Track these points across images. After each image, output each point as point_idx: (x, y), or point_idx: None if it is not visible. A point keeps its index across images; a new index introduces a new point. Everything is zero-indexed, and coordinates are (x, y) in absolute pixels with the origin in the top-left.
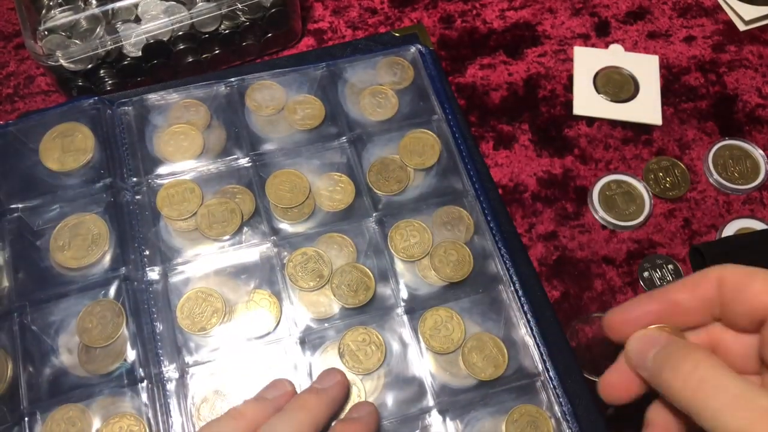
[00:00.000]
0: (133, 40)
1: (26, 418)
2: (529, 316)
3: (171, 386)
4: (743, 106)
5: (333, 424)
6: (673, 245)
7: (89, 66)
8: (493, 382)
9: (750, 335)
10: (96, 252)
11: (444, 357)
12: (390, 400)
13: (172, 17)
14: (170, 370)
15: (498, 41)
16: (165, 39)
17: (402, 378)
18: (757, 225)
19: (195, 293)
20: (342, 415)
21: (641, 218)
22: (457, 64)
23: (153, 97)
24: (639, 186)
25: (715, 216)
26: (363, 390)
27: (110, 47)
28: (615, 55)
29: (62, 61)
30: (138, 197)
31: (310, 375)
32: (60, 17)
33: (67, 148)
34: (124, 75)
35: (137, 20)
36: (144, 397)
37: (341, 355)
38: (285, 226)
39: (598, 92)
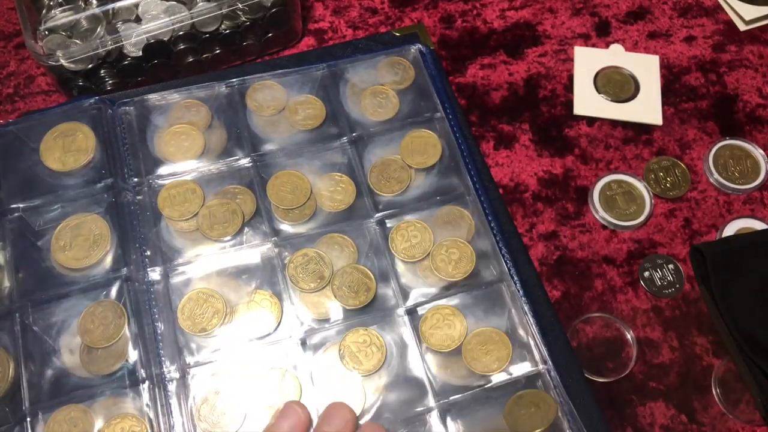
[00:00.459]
0: (133, 39)
1: (28, 419)
2: (529, 315)
3: (172, 387)
4: (744, 106)
5: None
6: (674, 245)
7: (90, 66)
8: (495, 381)
9: None
10: (97, 252)
11: (445, 356)
12: (391, 400)
13: (172, 17)
14: (171, 371)
15: (498, 41)
16: (165, 39)
17: (403, 378)
18: (757, 225)
19: (196, 294)
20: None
21: (642, 218)
22: (458, 64)
23: (154, 97)
24: (639, 186)
25: (715, 216)
26: (364, 392)
27: (111, 47)
28: (615, 55)
29: (63, 61)
30: (139, 197)
31: (311, 377)
32: (60, 17)
33: (68, 147)
34: (125, 75)
35: (138, 20)
36: (146, 397)
37: (341, 357)
38: (286, 227)
39: (599, 92)
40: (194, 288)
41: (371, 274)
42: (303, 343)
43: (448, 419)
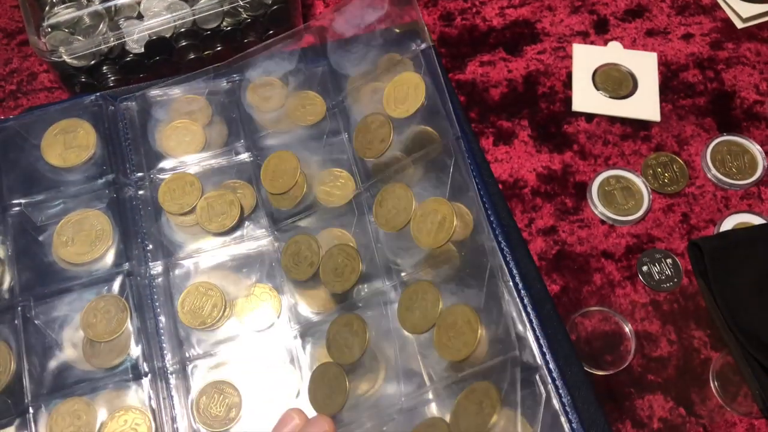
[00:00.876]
0: (135, 36)
1: (31, 411)
2: (529, 309)
3: (173, 379)
4: (741, 103)
5: None
6: (672, 240)
7: (92, 62)
8: (486, 371)
9: None
10: (100, 248)
11: (424, 340)
12: (381, 389)
13: (174, 14)
14: (173, 364)
15: (497, 39)
16: (167, 35)
17: (393, 366)
18: (754, 220)
19: (195, 288)
20: None
21: (640, 213)
22: (457, 62)
23: (155, 93)
24: (638, 181)
25: (713, 211)
26: (347, 384)
27: (113, 44)
28: (614, 53)
29: (65, 58)
30: (141, 192)
31: (310, 368)
32: (63, 14)
33: (69, 144)
34: (127, 71)
35: (140, 17)
36: (148, 390)
37: (328, 347)
38: (285, 221)
39: (597, 89)
40: (194, 282)
41: (356, 254)
42: (302, 335)
43: (433, 406)
